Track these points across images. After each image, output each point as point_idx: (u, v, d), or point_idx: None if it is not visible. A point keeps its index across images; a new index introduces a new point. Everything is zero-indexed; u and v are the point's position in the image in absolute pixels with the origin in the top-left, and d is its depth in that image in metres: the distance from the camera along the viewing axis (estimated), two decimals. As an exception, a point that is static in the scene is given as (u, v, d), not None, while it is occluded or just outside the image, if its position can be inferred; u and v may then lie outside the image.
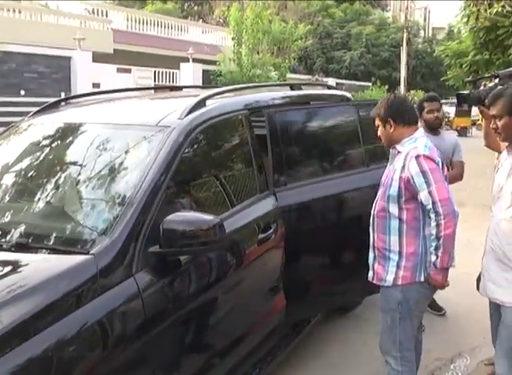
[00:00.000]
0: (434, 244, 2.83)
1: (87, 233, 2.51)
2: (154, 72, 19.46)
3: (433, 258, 2.84)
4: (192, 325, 2.67)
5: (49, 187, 2.88)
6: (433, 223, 2.82)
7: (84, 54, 16.12)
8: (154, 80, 18.97)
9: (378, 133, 3.12)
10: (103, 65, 16.86)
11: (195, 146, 3.03)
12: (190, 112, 3.00)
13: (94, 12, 22.74)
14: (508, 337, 2.92)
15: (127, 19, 23.40)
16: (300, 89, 4.72)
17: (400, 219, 2.95)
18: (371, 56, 37.89)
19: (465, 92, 3.28)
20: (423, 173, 2.82)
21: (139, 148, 2.94)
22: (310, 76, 28.59)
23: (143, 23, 23.93)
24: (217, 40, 26.71)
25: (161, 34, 24.74)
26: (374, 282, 3.13)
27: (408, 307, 2.99)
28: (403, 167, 2.90)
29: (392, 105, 3.04)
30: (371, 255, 3.14)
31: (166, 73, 19.84)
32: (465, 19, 18.32)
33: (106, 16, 22.47)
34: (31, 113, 3.62)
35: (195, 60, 20.77)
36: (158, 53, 22.75)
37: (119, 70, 17.69)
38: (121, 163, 2.86)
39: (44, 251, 2.38)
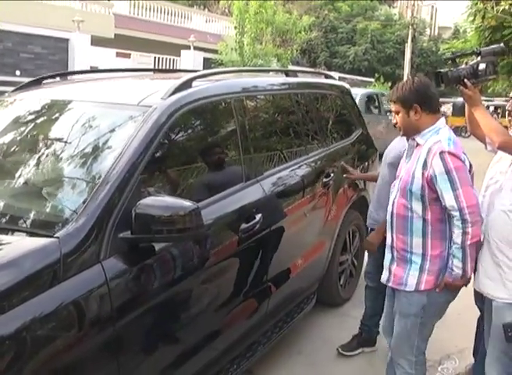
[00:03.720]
0: (459, 255, 2.60)
1: (54, 214, 2.36)
2: (155, 58, 19.33)
3: (457, 268, 2.63)
4: (163, 317, 2.51)
5: (18, 165, 2.71)
6: (458, 231, 2.58)
7: (83, 36, 15.96)
8: (154, 66, 18.78)
9: (395, 120, 2.80)
10: (102, 48, 16.72)
11: (178, 128, 2.87)
12: (174, 92, 2.83)
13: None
14: (500, 338, 2.74)
15: (130, 4, 23.15)
16: (296, 76, 4.57)
17: (425, 220, 2.69)
18: (375, 52, 37.57)
19: (443, 70, 2.86)
20: (448, 172, 2.56)
21: (117, 127, 2.77)
22: (312, 70, 28.38)
23: (146, 9, 23.66)
24: (221, 29, 26.49)
25: (165, 21, 24.49)
26: (390, 285, 2.90)
27: (432, 312, 2.81)
28: (425, 164, 2.63)
29: (420, 88, 2.74)
30: (387, 255, 2.90)
31: (167, 59, 19.73)
32: (471, 18, 18.10)
33: (108, -1, 22.23)
34: (12, 90, 3.46)
35: (197, 48, 20.64)
36: (160, 40, 22.58)
37: (118, 55, 17.57)
38: (97, 143, 2.68)
39: (6, 232, 2.22)
